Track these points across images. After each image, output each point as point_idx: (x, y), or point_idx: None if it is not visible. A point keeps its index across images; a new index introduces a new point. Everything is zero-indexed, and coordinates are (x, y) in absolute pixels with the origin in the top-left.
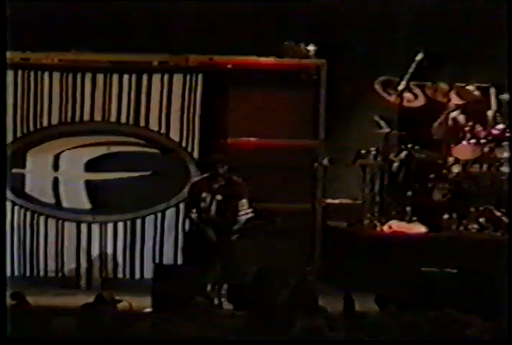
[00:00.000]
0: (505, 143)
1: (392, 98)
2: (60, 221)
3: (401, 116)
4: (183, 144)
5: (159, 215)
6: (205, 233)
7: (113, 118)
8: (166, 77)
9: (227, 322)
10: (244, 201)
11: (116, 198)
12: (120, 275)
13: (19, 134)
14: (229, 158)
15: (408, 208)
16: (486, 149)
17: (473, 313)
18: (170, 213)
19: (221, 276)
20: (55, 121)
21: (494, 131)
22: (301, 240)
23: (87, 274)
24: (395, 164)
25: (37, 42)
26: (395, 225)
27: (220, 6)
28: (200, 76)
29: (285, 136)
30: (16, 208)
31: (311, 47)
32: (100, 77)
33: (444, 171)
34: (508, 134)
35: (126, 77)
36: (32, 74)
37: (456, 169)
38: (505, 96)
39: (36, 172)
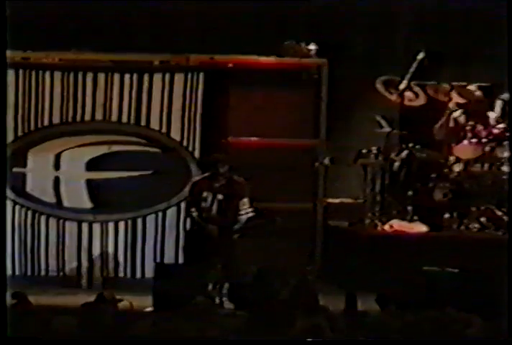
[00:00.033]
0: (505, 142)
1: (394, 98)
2: (61, 221)
3: (402, 115)
4: (184, 143)
5: (160, 214)
6: (205, 229)
7: (114, 118)
8: (167, 76)
9: (228, 321)
10: (245, 200)
11: (117, 197)
12: (121, 274)
13: (20, 133)
14: (229, 157)
15: (409, 208)
16: (487, 149)
17: (473, 312)
18: (171, 212)
19: (222, 275)
20: (56, 120)
21: (495, 131)
22: (302, 239)
23: (88, 273)
24: (396, 164)
25: (38, 42)
26: (396, 224)
27: (220, 5)
28: (201, 75)
29: (286, 135)
30: (17, 207)
31: (312, 47)
32: (101, 76)
33: (445, 170)
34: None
35: (127, 76)
36: (33, 73)
37: (457, 168)
38: (506, 96)
39: (37, 172)
